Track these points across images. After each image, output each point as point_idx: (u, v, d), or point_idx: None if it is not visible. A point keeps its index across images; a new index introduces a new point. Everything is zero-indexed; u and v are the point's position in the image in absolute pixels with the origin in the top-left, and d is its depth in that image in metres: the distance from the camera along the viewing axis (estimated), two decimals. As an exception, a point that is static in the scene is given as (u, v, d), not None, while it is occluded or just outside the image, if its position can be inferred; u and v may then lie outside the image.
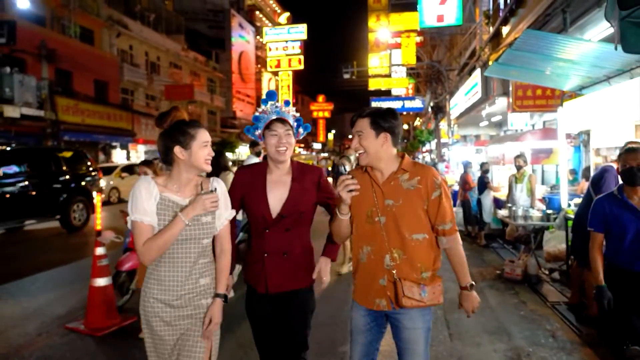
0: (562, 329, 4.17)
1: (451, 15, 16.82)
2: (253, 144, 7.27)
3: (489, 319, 4.46)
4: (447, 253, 2.10)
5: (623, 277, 2.79)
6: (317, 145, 67.25)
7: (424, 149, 32.08)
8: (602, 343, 3.69)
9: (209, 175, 2.17)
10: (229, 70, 38.77)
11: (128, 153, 25.04)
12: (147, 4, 29.44)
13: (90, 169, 11.28)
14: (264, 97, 2.34)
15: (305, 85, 57.64)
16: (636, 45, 2.49)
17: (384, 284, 2.05)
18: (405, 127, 44.85)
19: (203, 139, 1.97)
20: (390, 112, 2.09)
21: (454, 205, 10.88)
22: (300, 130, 2.39)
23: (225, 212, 2.10)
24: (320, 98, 58.25)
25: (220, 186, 2.09)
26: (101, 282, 4.22)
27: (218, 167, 5.55)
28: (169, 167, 2.04)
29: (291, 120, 2.31)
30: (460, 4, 16.76)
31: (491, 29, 12.18)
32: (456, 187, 11.94)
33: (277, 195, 2.25)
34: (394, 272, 2.02)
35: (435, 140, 25.68)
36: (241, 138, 34.56)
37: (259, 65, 45.18)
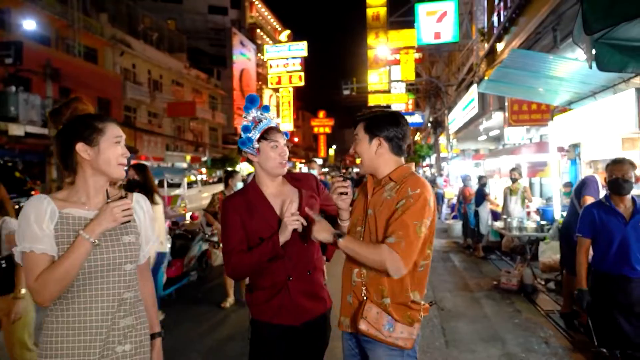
0: (555, 336, 4.29)
1: (448, 32, 17.18)
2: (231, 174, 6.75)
3: (485, 327, 4.58)
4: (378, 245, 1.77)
5: (610, 281, 2.92)
6: (318, 161, 67.64)
7: (424, 164, 32.31)
8: (592, 349, 3.81)
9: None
10: (231, 87, 39.26)
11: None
12: (150, 24, 30.00)
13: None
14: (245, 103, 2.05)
15: (306, 101, 58.24)
16: (609, 64, 2.68)
17: (350, 301, 1.88)
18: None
19: (114, 133, 1.58)
20: (390, 117, 1.91)
21: (455, 217, 11.06)
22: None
23: (152, 236, 1.75)
24: (321, 114, 58.68)
25: (144, 203, 1.73)
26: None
27: (144, 187, 3.89)
28: (70, 175, 1.61)
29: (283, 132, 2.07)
30: (457, 22, 17.13)
31: (486, 46, 12.47)
32: (455, 201, 12.11)
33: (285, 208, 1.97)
34: (363, 289, 1.82)
35: (435, 154, 25.92)
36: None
37: (260, 82, 45.70)
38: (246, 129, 1.99)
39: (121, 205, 1.51)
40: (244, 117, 2.04)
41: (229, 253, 1.92)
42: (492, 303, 5.41)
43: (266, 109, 2.06)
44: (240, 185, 4.79)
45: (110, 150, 1.56)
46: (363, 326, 1.76)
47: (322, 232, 1.82)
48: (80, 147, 1.54)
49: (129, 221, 1.56)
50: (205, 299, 5.58)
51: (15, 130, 16.59)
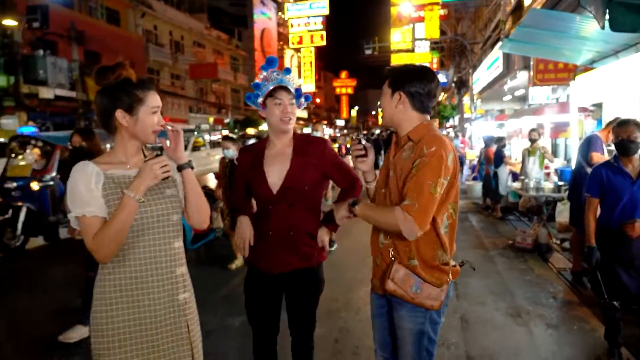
0: (564, 291, 4.46)
1: (474, -13, 16.52)
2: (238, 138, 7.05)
3: (496, 282, 4.77)
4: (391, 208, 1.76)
5: (613, 236, 3.03)
6: (340, 122, 67.19)
7: (448, 125, 31.87)
8: (602, 301, 3.96)
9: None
10: (252, 48, 38.92)
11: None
12: (170, -16, 29.74)
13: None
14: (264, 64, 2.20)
15: (328, 61, 57.33)
16: (624, 24, 2.69)
17: (378, 262, 1.91)
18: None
19: (153, 103, 1.66)
20: (415, 71, 1.85)
21: (476, 179, 11.08)
22: (302, 100, 2.26)
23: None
24: (343, 74, 57.90)
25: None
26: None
27: (91, 155, 2.88)
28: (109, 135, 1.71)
29: (292, 90, 2.18)
30: (484, -24, 16.45)
31: (512, 1, 12.05)
32: (475, 162, 12.08)
33: (277, 169, 2.12)
34: (391, 250, 1.83)
35: (459, 115, 25.52)
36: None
37: (281, 42, 45.14)
38: (256, 86, 2.16)
39: (159, 162, 1.59)
40: (259, 76, 2.19)
41: (232, 192, 2.37)
42: (505, 261, 5.57)
43: (287, 71, 2.20)
44: (228, 151, 4.96)
45: (147, 120, 1.64)
46: (390, 286, 1.78)
47: (337, 212, 1.92)
48: (119, 114, 1.61)
49: (169, 176, 1.64)
50: (231, 254, 5.89)
51: (45, 93, 17.06)
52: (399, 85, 1.82)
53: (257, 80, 2.16)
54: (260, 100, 2.15)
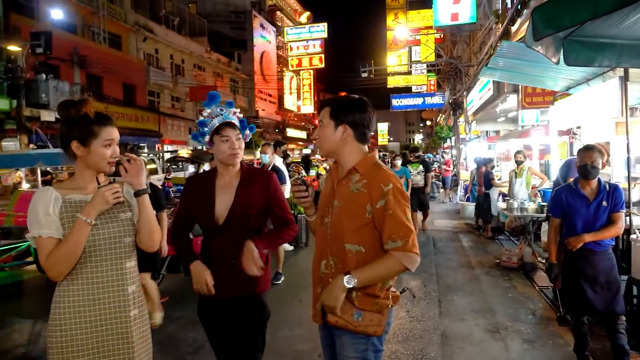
0: (544, 308, 4.61)
1: (465, 13, 17.09)
2: (278, 144, 7.57)
3: (479, 299, 4.93)
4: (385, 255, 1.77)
5: (577, 255, 3.20)
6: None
7: (445, 145, 32.19)
8: (557, 313, 4.21)
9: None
10: (251, 70, 39.55)
11: (156, 153, 26.07)
12: (171, 8, 30.45)
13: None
14: (208, 101, 2.24)
15: (327, 83, 58.04)
16: (578, 59, 2.94)
17: (318, 292, 1.88)
18: (429, 123, 44.93)
19: (107, 136, 1.80)
20: (358, 103, 1.88)
21: (468, 200, 11.27)
22: (247, 132, 2.31)
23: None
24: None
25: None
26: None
27: None
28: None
29: (237, 123, 2.23)
30: (474, 3, 16.99)
31: (501, 27, 12.46)
32: (468, 183, 12.31)
33: (224, 200, 2.18)
34: (330, 280, 1.81)
35: (455, 136, 25.85)
36: (263, 137, 35.32)
37: (281, 65, 45.89)
38: (202, 124, 2.22)
39: (110, 189, 1.74)
40: (202, 113, 2.24)
41: (173, 222, 2.38)
42: (490, 279, 5.74)
43: (230, 104, 2.28)
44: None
45: (100, 152, 1.79)
46: (331, 318, 1.79)
47: (331, 298, 1.76)
48: (74, 144, 1.78)
49: (122, 202, 1.80)
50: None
51: (47, 116, 17.34)
52: (343, 117, 1.85)
53: (201, 118, 2.22)
54: (207, 138, 2.20)
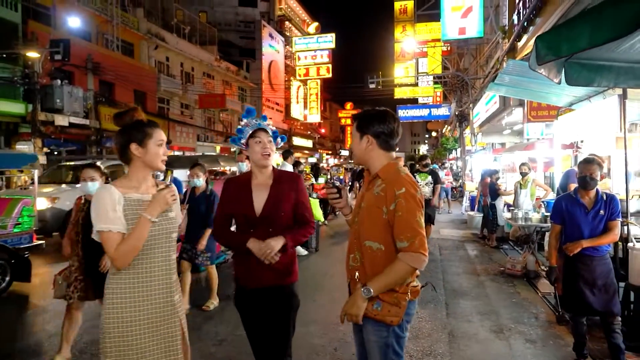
0: (546, 312, 4.85)
1: (473, 28, 17.43)
2: (287, 153, 7.85)
3: (484, 303, 5.17)
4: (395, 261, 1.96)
5: (577, 260, 3.45)
6: (344, 152, 68.01)
7: (450, 157, 32.45)
8: (556, 313, 4.52)
9: None
10: (259, 79, 40.07)
11: (164, 159, 26.41)
12: (182, 17, 31.06)
13: None
14: (244, 113, 2.62)
15: (334, 93, 58.47)
16: (578, 80, 3.22)
17: (348, 282, 2.17)
18: (434, 134, 45.23)
19: (159, 137, 2.07)
20: (379, 115, 2.09)
21: (476, 209, 11.49)
22: (278, 140, 2.62)
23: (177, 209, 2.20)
24: (348, 105, 58.95)
25: (175, 189, 2.15)
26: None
27: None
28: (126, 166, 2.12)
29: (270, 131, 2.55)
30: (482, 18, 17.34)
31: (507, 43, 12.77)
32: (474, 193, 12.55)
33: (260, 197, 2.45)
34: (356, 273, 2.07)
35: (460, 148, 26.10)
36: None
37: (288, 74, 46.43)
38: (240, 131, 2.57)
39: (169, 192, 2.04)
40: (240, 123, 2.60)
41: (215, 221, 2.59)
42: (495, 285, 5.97)
43: (264, 118, 2.61)
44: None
45: (154, 150, 2.05)
46: None
47: (353, 307, 1.98)
48: (133, 146, 2.03)
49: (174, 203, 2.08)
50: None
51: (61, 121, 17.76)
52: (365, 129, 2.08)
53: (239, 126, 2.58)
54: (243, 141, 2.53)
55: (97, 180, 3.69)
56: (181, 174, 8.57)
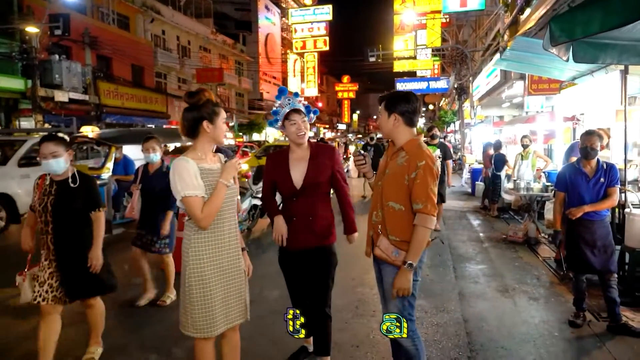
0: (547, 274, 5.22)
1: (474, 0, 17.36)
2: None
3: (489, 267, 5.53)
4: (413, 228, 2.32)
5: (578, 223, 3.77)
6: (341, 126, 68.01)
7: (449, 129, 32.65)
8: (561, 272, 4.88)
9: None
10: (256, 52, 39.72)
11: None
12: (177, -11, 30.60)
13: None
14: (277, 93, 2.82)
15: (331, 66, 58.10)
16: (584, 58, 3.47)
17: (371, 234, 2.51)
18: (431, 107, 45.30)
19: (224, 115, 2.36)
20: (404, 96, 2.42)
21: (479, 180, 11.79)
22: (312, 115, 2.83)
23: None
24: (345, 79, 58.70)
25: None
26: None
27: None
28: (190, 140, 2.36)
29: (303, 109, 2.76)
30: (483, -11, 17.28)
31: (510, 16, 12.85)
32: (475, 166, 12.86)
33: (299, 170, 2.73)
34: (379, 227, 2.42)
35: (459, 120, 26.29)
36: (267, 119, 35.74)
37: (285, 47, 46.02)
38: (275, 113, 2.79)
39: (237, 161, 2.39)
40: (275, 104, 2.80)
41: (262, 192, 2.96)
42: (498, 251, 6.34)
43: (296, 95, 2.81)
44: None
45: (221, 127, 2.36)
46: (377, 252, 2.41)
47: (403, 282, 2.31)
48: (205, 123, 2.29)
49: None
50: (252, 246, 6.66)
51: (60, 96, 17.72)
52: (393, 108, 2.41)
53: (274, 108, 2.79)
54: (279, 123, 2.78)
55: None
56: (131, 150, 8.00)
